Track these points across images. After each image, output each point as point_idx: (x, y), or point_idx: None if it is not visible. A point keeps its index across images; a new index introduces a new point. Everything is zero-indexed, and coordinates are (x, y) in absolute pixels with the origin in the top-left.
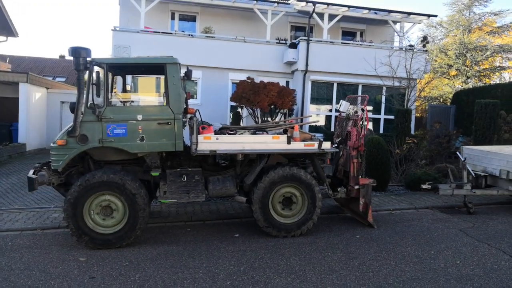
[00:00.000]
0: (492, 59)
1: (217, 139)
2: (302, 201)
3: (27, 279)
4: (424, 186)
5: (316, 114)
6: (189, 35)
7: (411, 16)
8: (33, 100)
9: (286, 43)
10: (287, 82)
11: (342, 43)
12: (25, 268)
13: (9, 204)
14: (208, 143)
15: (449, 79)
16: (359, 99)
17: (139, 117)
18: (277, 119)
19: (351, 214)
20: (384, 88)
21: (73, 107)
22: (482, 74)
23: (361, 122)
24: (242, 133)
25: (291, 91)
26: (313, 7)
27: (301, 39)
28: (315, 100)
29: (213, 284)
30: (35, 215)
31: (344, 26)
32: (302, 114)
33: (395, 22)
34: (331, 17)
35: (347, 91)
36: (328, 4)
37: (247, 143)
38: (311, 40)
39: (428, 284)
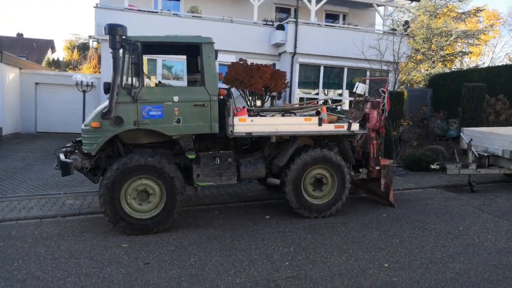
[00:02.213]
0: (455, 44)
1: (252, 121)
2: (332, 182)
3: (79, 267)
4: (433, 166)
5: (304, 97)
6: (175, 14)
7: (395, 0)
8: (7, 81)
9: (273, 25)
10: (274, 65)
11: (329, 25)
12: (70, 256)
13: (13, 191)
14: (243, 125)
15: (415, 63)
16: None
17: (176, 98)
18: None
19: (368, 194)
20: (368, 72)
21: (108, 88)
22: (446, 59)
23: (382, 105)
24: (273, 115)
25: (284, 74)
26: None
27: (289, 21)
28: (302, 83)
29: (272, 265)
30: (47, 202)
31: (327, 9)
32: (290, 98)
33: (379, 6)
34: None
35: (333, 74)
36: None
37: (280, 125)
38: (299, 22)
39: (473, 257)
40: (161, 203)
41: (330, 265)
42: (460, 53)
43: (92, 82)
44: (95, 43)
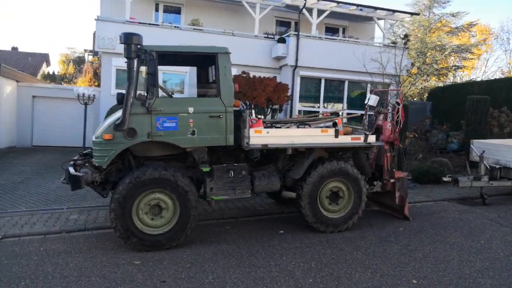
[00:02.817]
0: (449, 58)
1: (267, 132)
2: (349, 196)
3: (91, 286)
4: (445, 179)
5: (304, 110)
6: (176, 27)
7: (396, 14)
8: (4, 94)
9: (274, 38)
10: (275, 78)
11: (330, 38)
12: (80, 274)
13: (13, 207)
14: (259, 137)
15: (410, 76)
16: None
17: (191, 109)
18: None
19: (380, 207)
20: (369, 85)
21: (121, 98)
22: (440, 72)
23: (396, 116)
24: (288, 127)
25: (286, 86)
26: (304, 1)
27: (291, 34)
28: (303, 97)
29: (295, 283)
30: (50, 217)
31: (328, 22)
32: (291, 111)
33: (379, 19)
34: (319, 12)
35: (333, 87)
36: None
37: (296, 136)
38: (301, 35)
39: (502, 272)
40: (174, 218)
41: (356, 281)
42: (454, 67)
43: (94, 95)
44: (90, 57)
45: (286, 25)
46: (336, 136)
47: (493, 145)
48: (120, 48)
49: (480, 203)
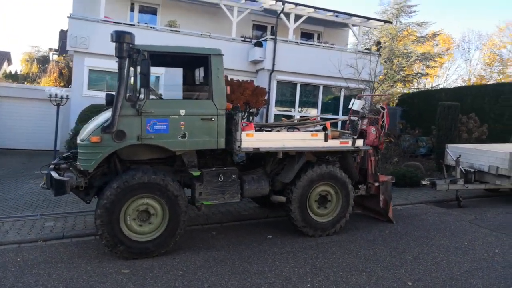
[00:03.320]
0: (413, 65)
1: (259, 136)
2: (337, 199)
3: None
4: (424, 182)
5: (279, 115)
6: (152, 27)
7: (370, 21)
8: None
9: (251, 41)
10: (252, 81)
11: (307, 44)
12: (66, 286)
13: None
14: (250, 140)
15: (377, 82)
16: (367, 98)
17: (182, 112)
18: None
19: (363, 211)
20: (343, 90)
21: (111, 99)
22: (405, 79)
23: (381, 121)
24: (278, 130)
25: (264, 90)
26: (283, 6)
27: (268, 38)
28: (279, 101)
29: None
30: (24, 225)
31: (303, 27)
32: (267, 115)
33: (354, 26)
34: (296, 17)
35: (308, 92)
36: (296, 4)
37: (287, 140)
38: (278, 39)
39: (490, 272)
40: (163, 224)
41: (353, 285)
42: (418, 74)
43: (67, 96)
44: (55, 56)
45: (263, 29)
46: (326, 140)
47: (467, 150)
48: (94, 47)
49: (455, 205)
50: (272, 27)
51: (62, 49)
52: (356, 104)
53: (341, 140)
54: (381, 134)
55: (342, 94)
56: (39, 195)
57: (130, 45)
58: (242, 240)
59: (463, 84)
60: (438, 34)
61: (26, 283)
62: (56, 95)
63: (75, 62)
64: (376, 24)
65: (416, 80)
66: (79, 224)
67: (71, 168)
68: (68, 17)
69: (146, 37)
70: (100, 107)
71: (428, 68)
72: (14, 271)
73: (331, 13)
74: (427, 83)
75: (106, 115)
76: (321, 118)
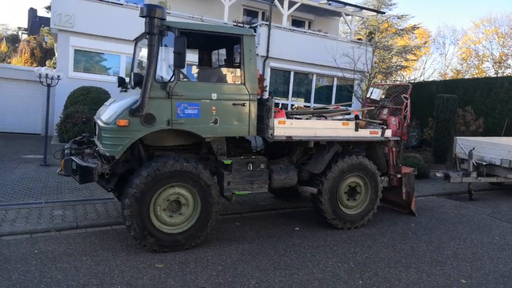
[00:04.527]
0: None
1: (291, 124)
2: (366, 191)
3: None
4: (438, 175)
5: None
6: (140, 7)
7: (363, 11)
8: None
9: (243, 27)
10: None
11: (301, 31)
12: (101, 282)
13: None
14: (283, 128)
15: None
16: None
17: (214, 95)
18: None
19: (382, 203)
20: (335, 79)
21: (139, 80)
22: (387, 71)
23: (405, 111)
24: (308, 118)
25: (263, 77)
26: None
27: (262, 24)
28: (272, 89)
29: (346, 285)
30: (30, 213)
31: (294, 15)
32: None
33: (347, 15)
34: (290, 4)
35: (301, 80)
36: None
37: (319, 129)
38: (272, 26)
39: None
40: (194, 214)
41: (407, 283)
42: (398, 67)
43: (58, 76)
44: (25, 36)
45: (254, 15)
46: (356, 129)
47: (478, 143)
48: (79, 26)
49: (466, 198)
50: (263, 13)
51: (32, 29)
52: (375, 93)
53: (371, 130)
54: (404, 125)
55: (335, 83)
56: (36, 181)
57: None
58: (269, 232)
59: (441, 78)
60: (417, 28)
61: (55, 279)
62: (47, 75)
63: (60, 42)
64: (369, 14)
65: (395, 74)
66: (91, 213)
67: (95, 154)
68: None
69: (137, 18)
70: (91, 89)
71: (407, 61)
72: (36, 264)
73: (325, 1)
74: (405, 76)
75: (132, 96)
76: (341, 107)
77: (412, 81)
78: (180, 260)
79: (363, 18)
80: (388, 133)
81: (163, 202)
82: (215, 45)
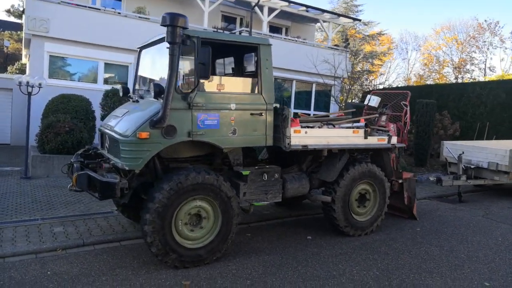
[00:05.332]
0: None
1: (306, 132)
2: (374, 198)
3: None
4: (431, 178)
5: None
6: (119, 13)
7: (340, 18)
8: None
9: (223, 33)
10: None
11: (281, 38)
12: None
13: None
14: (298, 137)
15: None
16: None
17: (233, 106)
18: None
19: None
20: (314, 85)
21: (159, 90)
22: (355, 76)
23: (405, 118)
24: (320, 127)
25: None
26: None
27: (243, 30)
28: None
29: None
30: (29, 231)
31: (272, 21)
32: None
33: (324, 22)
34: (270, 10)
35: (281, 86)
36: None
37: (331, 137)
38: (253, 32)
39: None
40: (214, 228)
41: (427, 286)
42: (365, 72)
43: (40, 84)
44: None
45: (232, 21)
46: (366, 137)
47: (465, 147)
48: (55, 31)
49: (455, 200)
50: (241, 19)
51: (25, 32)
52: (373, 101)
53: (379, 137)
54: (405, 131)
55: (314, 89)
56: (22, 196)
57: (183, 30)
58: (285, 242)
59: (405, 83)
60: (383, 34)
61: None
62: (27, 82)
63: (33, 47)
64: (345, 21)
65: (362, 78)
66: (94, 228)
67: (113, 168)
68: None
69: (114, 24)
70: (72, 98)
71: (373, 66)
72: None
73: (304, 8)
74: (371, 81)
75: (147, 106)
76: (344, 114)
77: (381, 86)
78: (205, 276)
79: (339, 25)
80: (394, 140)
81: (185, 216)
82: (231, 54)
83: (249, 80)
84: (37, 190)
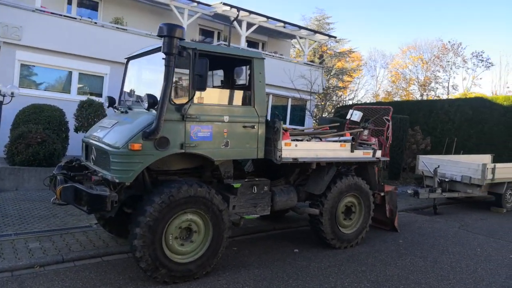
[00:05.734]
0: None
1: (296, 145)
2: (359, 210)
3: None
4: (409, 191)
5: None
6: (95, 23)
7: (316, 34)
8: None
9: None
10: None
11: (262, 53)
12: None
13: None
14: (289, 150)
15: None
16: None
17: (226, 118)
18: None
19: None
20: (290, 99)
21: (153, 102)
22: (326, 92)
23: (387, 132)
24: (308, 140)
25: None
26: (238, 13)
27: (221, 44)
28: None
29: None
30: (1, 247)
31: (249, 36)
32: None
33: (301, 38)
34: (248, 25)
35: None
36: (250, 12)
37: (320, 150)
38: (232, 46)
39: None
40: (204, 242)
41: None
42: (336, 88)
43: (12, 93)
44: None
45: (210, 35)
46: (352, 150)
47: (440, 161)
48: (27, 39)
49: (430, 212)
50: (219, 33)
51: None
52: (356, 115)
53: (364, 151)
54: (387, 145)
55: (290, 103)
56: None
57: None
58: (272, 255)
59: (374, 99)
60: (353, 51)
61: None
62: None
63: (3, 55)
64: (321, 38)
65: (332, 93)
66: (73, 244)
67: (102, 181)
68: None
69: (90, 34)
70: (45, 108)
71: (343, 82)
72: None
73: (281, 24)
74: (340, 96)
75: (138, 117)
76: (329, 128)
77: (350, 102)
78: None
79: (315, 41)
80: (379, 153)
81: (175, 230)
82: (221, 67)
83: (242, 93)
84: (7, 204)
